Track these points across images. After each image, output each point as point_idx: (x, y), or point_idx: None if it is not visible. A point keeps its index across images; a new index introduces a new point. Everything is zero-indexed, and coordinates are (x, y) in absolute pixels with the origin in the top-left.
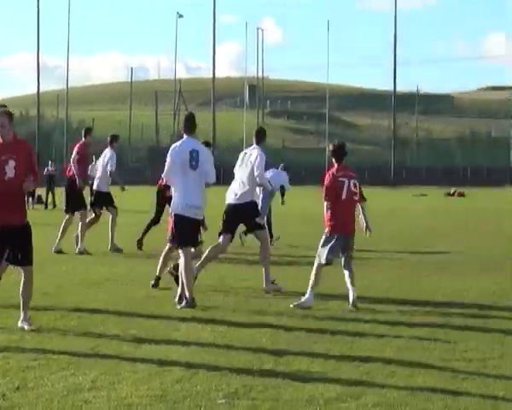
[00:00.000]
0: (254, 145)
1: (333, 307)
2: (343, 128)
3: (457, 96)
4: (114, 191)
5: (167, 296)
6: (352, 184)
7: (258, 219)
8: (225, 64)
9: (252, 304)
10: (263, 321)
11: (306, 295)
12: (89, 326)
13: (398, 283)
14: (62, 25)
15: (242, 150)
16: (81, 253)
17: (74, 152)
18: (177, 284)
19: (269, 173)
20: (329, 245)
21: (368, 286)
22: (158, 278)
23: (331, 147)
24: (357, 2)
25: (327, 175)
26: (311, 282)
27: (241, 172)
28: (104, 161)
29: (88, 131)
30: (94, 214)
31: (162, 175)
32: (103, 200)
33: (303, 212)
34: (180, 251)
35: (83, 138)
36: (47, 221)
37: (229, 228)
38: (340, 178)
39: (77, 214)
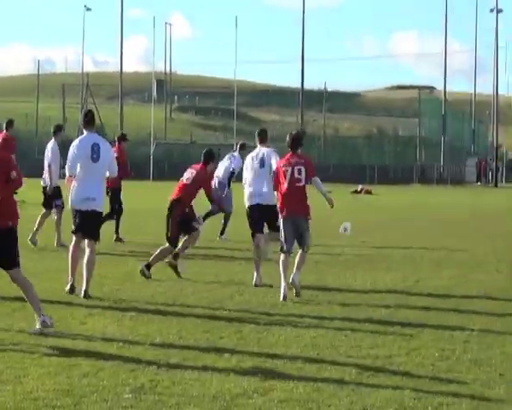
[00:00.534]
0: (259, 146)
1: (242, 302)
2: (251, 124)
3: (365, 94)
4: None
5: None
6: (295, 171)
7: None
8: (133, 59)
9: (159, 298)
10: (170, 316)
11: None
12: None
13: (304, 279)
14: None
15: (150, 144)
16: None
17: None
18: (178, 275)
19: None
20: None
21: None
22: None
23: (287, 136)
24: None
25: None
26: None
27: (257, 174)
28: (48, 155)
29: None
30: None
31: (66, 169)
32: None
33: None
34: (86, 243)
35: (4, 131)
36: None
37: (258, 228)
38: (284, 167)
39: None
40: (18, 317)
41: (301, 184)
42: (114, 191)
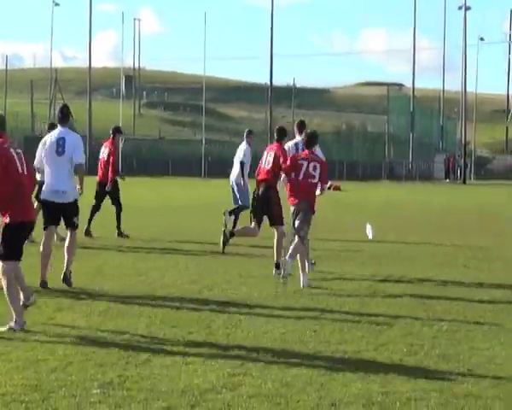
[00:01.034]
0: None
1: (211, 298)
2: (220, 120)
3: (335, 90)
4: None
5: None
6: (310, 167)
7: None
8: (102, 54)
9: (128, 292)
10: (140, 311)
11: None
12: None
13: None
14: None
15: (119, 140)
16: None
17: None
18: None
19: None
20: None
21: (247, 276)
22: None
23: (303, 135)
24: None
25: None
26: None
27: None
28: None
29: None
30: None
31: (34, 164)
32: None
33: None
34: (44, 232)
35: None
36: None
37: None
38: (300, 161)
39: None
40: None
41: (314, 181)
42: (103, 185)
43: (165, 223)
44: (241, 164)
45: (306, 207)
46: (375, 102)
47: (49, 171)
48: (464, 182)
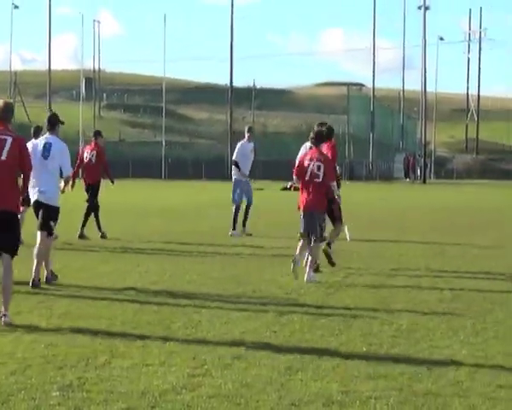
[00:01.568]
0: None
1: (170, 298)
2: (180, 122)
3: (294, 90)
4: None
5: None
6: (315, 167)
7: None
8: (61, 56)
9: (88, 295)
10: (100, 313)
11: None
12: None
13: (231, 274)
14: None
15: (79, 142)
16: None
17: None
18: (331, 263)
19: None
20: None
21: (207, 277)
22: None
23: (311, 134)
24: None
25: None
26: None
27: None
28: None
29: None
30: None
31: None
32: None
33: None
34: (38, 233)
35: None
36: None
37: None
38: (307, 162)
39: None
40: None
41: (319, 180)
42: (94, 188)
43: (127, 225)
44: (233, 163)
45: (313, 210)
46: (336, 103)
47: (36, 174)
48: (424, 181)
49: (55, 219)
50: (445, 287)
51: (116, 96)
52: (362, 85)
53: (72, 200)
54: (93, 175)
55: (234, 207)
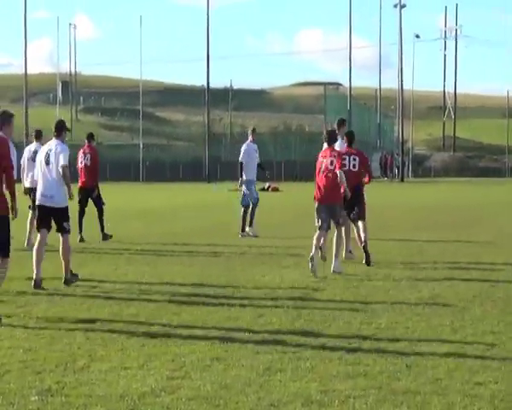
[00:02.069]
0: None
1: (149, 301)
2: (157, 124)
3: (272, 91)
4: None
5: None
6: (328, 162)
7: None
8: (37, 60)
9: (66, 298)
10: (77, 317)
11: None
12: None
13: (215, 275)
14: None
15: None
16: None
17: None
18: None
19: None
20: (317, 213)
21: (188, 277)
22: None
23: (324, 133)
24: None
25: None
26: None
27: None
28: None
29: None
30: None
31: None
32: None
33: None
34: (38, 233)
35: None
36: None
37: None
38: (320, 158)
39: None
40: None
41: (331, 174)
42: (88, 191)
43: (106, 228)
44: (240, 164)
45: (334, 206)
46: (313, 102)
47: (41, 178)
48: (402, 180)
49: (68, 219)
50: (423, 285)
51: (93, 100)
52: (339, 85)
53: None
54: (90, 178)
55: (243, 209)
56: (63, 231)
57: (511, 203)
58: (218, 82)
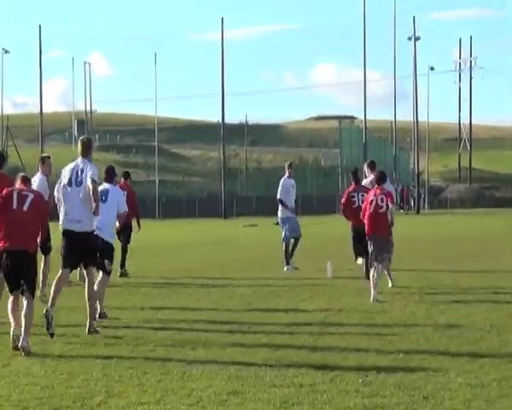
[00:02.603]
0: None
1: (165, 336)
2: (173, 160)
3: (287, 125)
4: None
5: None
6: (379, 200)
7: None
8: (53, 99)
9: (82, 335)
10: (95, 352)
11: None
12: None
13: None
14: None
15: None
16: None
17: None
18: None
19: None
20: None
21: (202, 312)
22: None
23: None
24: (185, 34)
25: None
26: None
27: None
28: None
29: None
30: None
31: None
32: None
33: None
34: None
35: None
36: None
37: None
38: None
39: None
40: None
41: (383, 210)
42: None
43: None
44: (279, 201)
45: (383, 240)
46: (328, 136)
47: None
48: (418, 212)
49: (111, 257)
50: (438, 316)
51: (108, 137)
52: (353, 118)
53: None
54: (129, 215)
55: (284, 245)
56: (103, 269)
57: None
58: (233, 117)
